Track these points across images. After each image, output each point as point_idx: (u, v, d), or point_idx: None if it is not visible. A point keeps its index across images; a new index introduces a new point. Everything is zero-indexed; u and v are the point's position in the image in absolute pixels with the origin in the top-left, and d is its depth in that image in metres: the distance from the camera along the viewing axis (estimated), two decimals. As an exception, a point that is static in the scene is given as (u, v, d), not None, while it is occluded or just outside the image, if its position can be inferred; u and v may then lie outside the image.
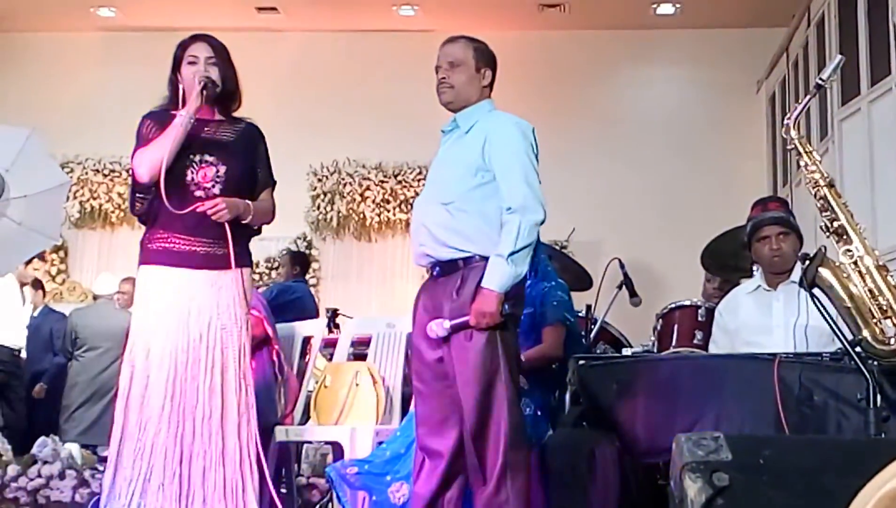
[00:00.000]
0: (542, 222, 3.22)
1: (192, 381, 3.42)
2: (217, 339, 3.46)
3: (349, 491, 3.78)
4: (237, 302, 3.51)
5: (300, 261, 7.54)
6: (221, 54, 3.61)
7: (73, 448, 6.28)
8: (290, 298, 6.92)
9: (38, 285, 8.05)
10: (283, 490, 4.78)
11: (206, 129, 3.59)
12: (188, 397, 3.41)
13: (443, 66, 3.42)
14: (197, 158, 3.53)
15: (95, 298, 7.85)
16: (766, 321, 3.82)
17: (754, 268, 4.55)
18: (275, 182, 3.73)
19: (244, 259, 3.61)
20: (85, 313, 7.60)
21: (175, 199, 3.45)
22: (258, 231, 3.73)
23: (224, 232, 3.48)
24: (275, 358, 4.71)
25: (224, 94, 3.61)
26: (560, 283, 4.38)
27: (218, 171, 3.53)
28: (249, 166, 3.64)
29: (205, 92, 3.50)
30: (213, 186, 3.52)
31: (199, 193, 3.50)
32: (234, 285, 3.51)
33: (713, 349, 4.06)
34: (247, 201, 3.54)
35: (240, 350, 3.49)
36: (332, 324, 6.86)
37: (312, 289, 9.70)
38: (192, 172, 3.52)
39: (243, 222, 3.54)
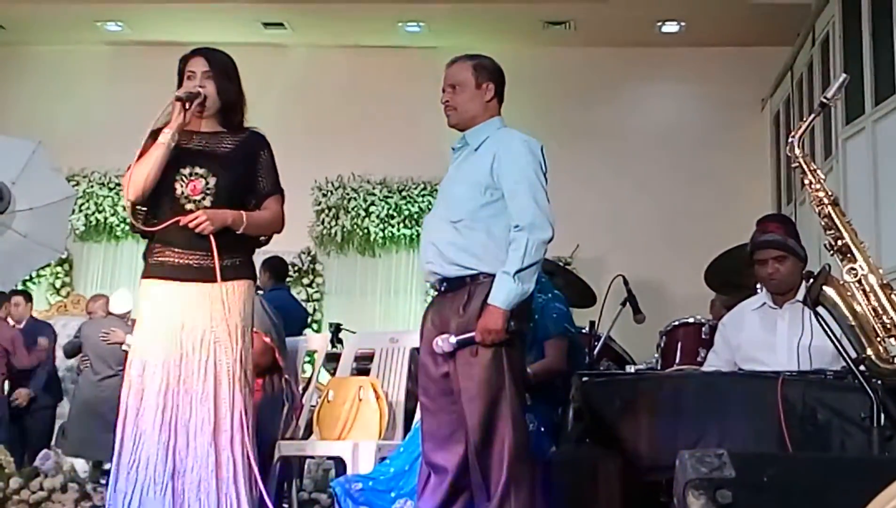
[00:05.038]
0: (550, 240, 3.23)
1: (186, 394, 3.41)
2: (210, 352, 3.45)
3: (353, 506, 3.78)
4: (232, 315, 3.49)
5: (270, 267, 7.23)
6: (218, 67, 3.61)
7: (76, 462, 6.28)
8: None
9: (28, 298, 8.06)
10: (285, 506, 4.78)
11: (201, 141, 3.60)
12: (181, 410, 3.40)
13: (446, 89, 3.45)
14: (187, 170, 3.53)
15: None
16: (770, 338, 3.82)
17: (758, 286, 4.56)
18: (282, 190, 3.70)
19: (243, 271, 3.59)
20: (95, 327, 7.56)
21: (168, 213, 3.50)
22: (265, 242, 3.72)
23: (220, 245, 3.47)
24: (283, 385, 4.71)
25: (225, 106, 3.62)
26: (557, 294, 4.37)
27: (207, 183, 3.53)
28: (245, 176, 3.62)
29: (186, 106, 3.49)
30: (204, 199, 3.52)
31: (189, 206, 3.51)
32: (229, 298, 3.50)
33: (712, 357, 4.05)
34: (239, 212, 3.53)
35: (235, 363, 3.46)
36: (336, 339, 6.86)
37: (316, 303, 9.74)
38: (182, 186, 3.52)
39: (237, 232, 3.52)
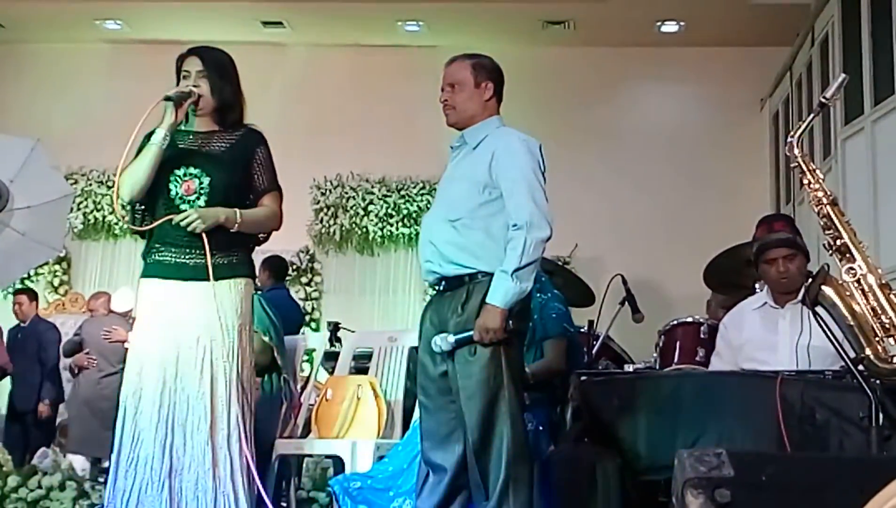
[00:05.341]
0: (548, 239, 3.23)
1: (183, 392, 3.42)
2: (207, 350, 3.45)
3: (351, 505, 3.78)
4: (228, 313, 3.49)
5: (270, 266, 7.24)
6: (213, 66, 3.61)
7: (74, 460, 6.28)
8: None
9: (32, 296, 8.06)
10: (283, 504, 4.78)
11: (196, 140, 3.61)
12: (178, 408, 3.41)
13: (445, 88, 3.45)
14: (181, 171, 3.54)
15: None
16: (771, 338, 3.82)
17: (757, 286, 4.56)
18: (279, 188, 3.70)
19: (239, 269, 3.59)
20: (97, 325, 7.54)
21: (163, 213, 3.52)
22: (264, 239, 3.72)
23: (214, 243, 3.47)
24: (282, 384, 4.70)
25: (220, 105, 3.62)
26: (556, 294, 4.37)
27: (201, 182, 3.53)
28: (241, 175, 3.61)
29: (178, 105, 3.49)
30: (198, 198, 3.52)
31: (184, 206, 3.51)
32: (226, 296, 3.50)
33: (716, 361, 4.05)
34: (233, 210, 3.52)
35: (232, 362, 3.46)
36: (334, 338, 6.84)
37: (314, 302, 9.73)
38: (176, 186, 3.54)
39: (232, 230, 3.52)
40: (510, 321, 3.14)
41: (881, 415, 2.83)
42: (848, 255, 3.05)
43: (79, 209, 9.87)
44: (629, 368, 4.74)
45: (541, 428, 3.97)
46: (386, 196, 9.97)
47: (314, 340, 5.63)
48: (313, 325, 9.48)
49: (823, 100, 3.15)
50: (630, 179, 9.70)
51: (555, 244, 3.46)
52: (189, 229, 3.45)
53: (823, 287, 3.01)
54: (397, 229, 9.90)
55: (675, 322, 4.68)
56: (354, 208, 9.97)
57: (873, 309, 2.97)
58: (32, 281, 9.64)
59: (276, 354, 4.70)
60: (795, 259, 3.85)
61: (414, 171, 9.80)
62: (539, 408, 4.03)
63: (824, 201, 3.12)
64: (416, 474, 3.48)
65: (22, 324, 7.85)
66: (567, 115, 9.70)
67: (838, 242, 3.07)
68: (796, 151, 3.17)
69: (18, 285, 8.73)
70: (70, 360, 7.60)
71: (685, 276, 6.82)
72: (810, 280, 3.06)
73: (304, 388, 5.22)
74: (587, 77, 9.95)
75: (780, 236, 3.89)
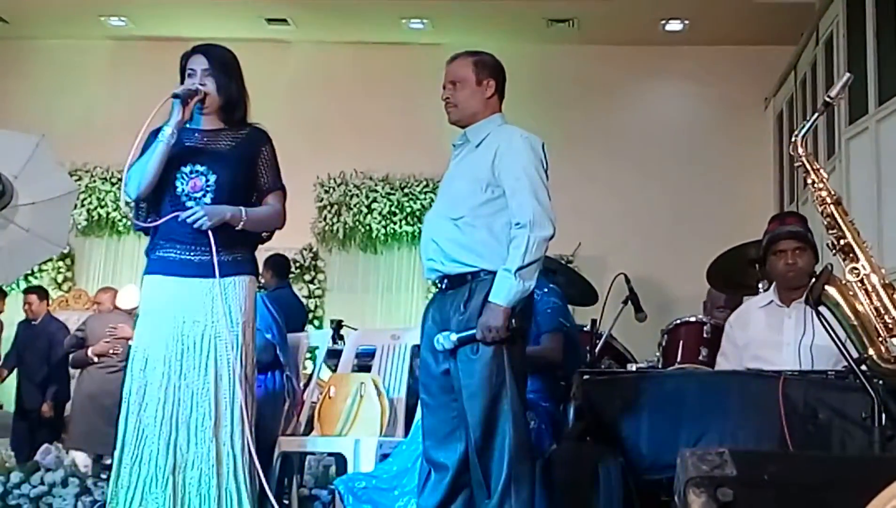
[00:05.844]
0: (551, 238, 3.22)
1: (187, 389, 3.43)
2: (211, 347, 3.46)
3: (356, 505, 3.78)
4: (233, 310, 3.50)
5: (273, 265, 7.24)
6: (218, 64, 3.62)
7: (77, 456, 6.28)
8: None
9: (42, 294, 8.06)
10: (286, 502, 4.78)
11: (202, 138, 3.61)
12: (182, 405, 3.42)
13: (446, 86, 3.44)
14: (188, 168, 3.55)
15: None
16: (776, 337, 3.81)
17: (760, 285, 4.55)
18: (283, 187, 3.70)
19: (244, 267, 3.60)
20: (102, 321, 7.53)
21: (169, 210, 3.52)
22: (267, 238, 3.72)
23: (219, 240, 3.48)
24: (284, 381, 4.71)
25: (225, 103, 3.62)
26: (553, 289, 4.35)
27: (208, 180, 3.54)
28: (246, 173, 3.62)
29: (185, 103, 3.49)
30: (204, 196, 3.53)
31: (190, 203, 3.52)
32: (230, 293, 3.51)
33: (721, 360, 4.05)
34: (239, 208, 3.53)
35: (235, 359, 3.46)
36: (337, 335, 6.85)
37: (317, 300, 9.75)
38: (182, 183, 3.54)
39: (236, 228, 3.52)
40: (513, 320, 3.14)
41: (884, 415, 2.83)
42: (851, 255, 3.05)
43: (83, 206, 9.90)
44: (632, 367, 4.73)
45: (543, 427, 3.96)
46: (389, 194, 9.99)
47: (317, 337, 5.63)
48: (316, 322, 9.49)
49: (828, 99, 3.14)
50: (633, 178, 9.71)
51: (558, 243, 3.46)
52: (195, 225, 3.45)
53: (827, 287, 3.01)
54: (400, 226, 9.91)
55: (678, 321, 4.68)
56: (358, 205, 9.99)
57: (876, 309, 2.97)
58: (36, 278, 9.66)
59: (278, 351, 4.71)
60: (804, 254, 3.83)
61: (417, 168, 9.81)
62: (541, 407, 4.02)
63: (828, 200, 3.11)
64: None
65: (33, 321, 7.87)
66: (570, 113, 9.70)
67: (842, 241, 3.07)
68: (800, 150, 3.17)
69: (27, 284, 8.74)
70: (75, 354, 7.60)
71: (688, 275, 6.82)
72: (814, 280, 3.05)
73: (306, 385, 5.22)
74: (591, 75, 9.95)
75: (790, 229, 3.88)
